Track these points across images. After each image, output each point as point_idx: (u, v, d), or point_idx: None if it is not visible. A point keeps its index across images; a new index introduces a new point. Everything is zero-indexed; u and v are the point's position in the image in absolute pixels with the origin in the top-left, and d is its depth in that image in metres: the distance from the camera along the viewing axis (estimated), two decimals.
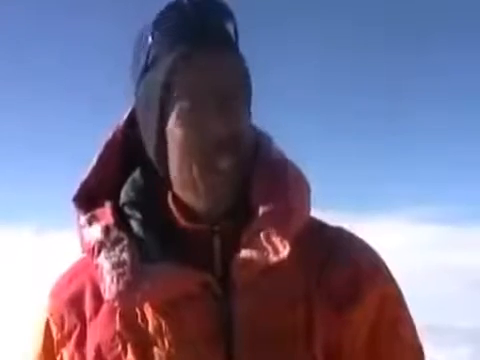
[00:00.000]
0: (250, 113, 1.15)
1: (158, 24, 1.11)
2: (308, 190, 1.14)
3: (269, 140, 1.18)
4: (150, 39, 1.11)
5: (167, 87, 1.09)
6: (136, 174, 1.17)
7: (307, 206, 1.14)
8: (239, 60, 1.12)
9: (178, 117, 1.08)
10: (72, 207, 1.17)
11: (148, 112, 1.12)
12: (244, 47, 1.14)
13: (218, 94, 1.07)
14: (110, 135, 1.19)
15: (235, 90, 1.09)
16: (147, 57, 1.12)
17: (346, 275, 1.12)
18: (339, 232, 1.19)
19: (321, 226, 1.19)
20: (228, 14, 1.13)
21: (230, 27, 1.13)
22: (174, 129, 1.09)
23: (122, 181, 1.18)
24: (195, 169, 1.08)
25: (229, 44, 1.11)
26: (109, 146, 1.19)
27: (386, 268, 1.18)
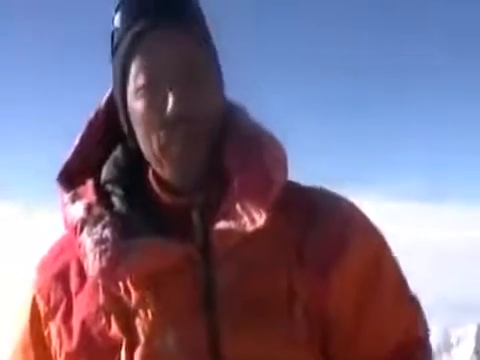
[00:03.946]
0: (218, 88, 1.15)
1: (119, 7, 1.15)
2: (284, 158, 1.16)
3: (244, 112, 1.20)
4: (114, 22, 1.16)
5: (125, 67, 1.14)
6: (117, 152, 1.20)
7: (283, 174, 1.15)
8: (194, 40, 1.13)
9: (134, 95, 1.13)
10: (56, 186, 1.19)
11: (116, 91, 1.17)
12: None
13: (168, 73, 1.10)
14: (92, 115, 1.21)
15: (187, 70, 1.11)
16: (112, 40, 1.17)
17: (328, 236, 1.14)
18: (319, 193, 1.21)
19: (300, 190, 1.20)
20: None
21: (188, 6, 1.15)
22: (132, 106, 1.14)
23: (105, 159, 1.20)
24: (154, 144, 1.12)
25: (184, 24, 1.13)
26: (91, 126, 1.21)
27: (367, 220, 1.20)
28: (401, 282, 1.21)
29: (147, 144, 1.13)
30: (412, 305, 1.22)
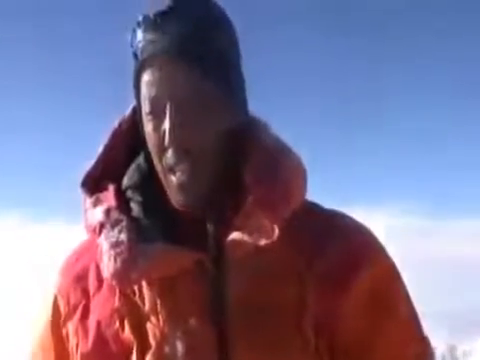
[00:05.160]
0: (224, 119, 1.15)
1: (139, 24, 1.16)
2: (303, 174, 1.17)
3: (265, 127, 1.21)
4: (136, 36, 1.16)
5: (138, 88, 1.17)
6: (140, 159, 1.23)
7: (301, 190, 1.17)
8: (202, 72, 1.12)
9: (144, 117, 1.17)
10: (79, 192, 1.22)
11: (136, 104, 1.20)
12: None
13: (171, 103, 1.12)
14: (116, 124, 1.24)
15: (191, 100, 1.12)
16: (134, 55, 1.18)
17: (340, 254, 1.15)
18: (332, 213, 1.23)
19: (315, 208, 1.23)
20: (204, 23, 1.14)
21: (201, 37, 1.13)
22: (144, 125, 1.17)
23: (128, 167, 1.23)
24: (159, 166, 1.16)
25: (189, 53, 1.12)
26: (115, 135, 1.24)
27: (379, 245, 1.21)
28: (412, 315, 1.21)
29: (154, 163, 1.17)
30: (423, 343, 1.22)
